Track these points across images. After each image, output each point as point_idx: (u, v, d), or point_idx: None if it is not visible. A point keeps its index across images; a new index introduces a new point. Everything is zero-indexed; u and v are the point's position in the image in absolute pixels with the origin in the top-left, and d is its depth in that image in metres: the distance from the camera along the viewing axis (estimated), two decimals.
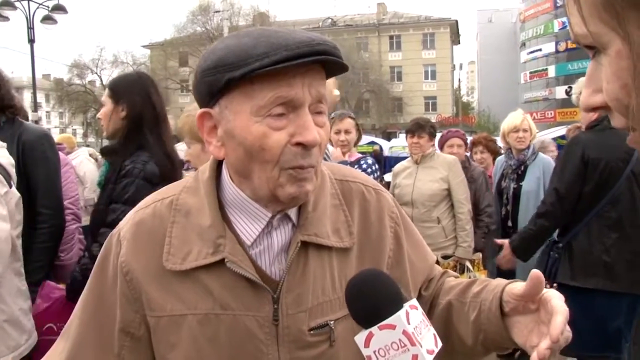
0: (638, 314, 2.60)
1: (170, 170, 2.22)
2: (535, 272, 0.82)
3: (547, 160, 4.01)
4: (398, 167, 4.04)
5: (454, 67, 46.63)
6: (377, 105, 40.20)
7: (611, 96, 0.47)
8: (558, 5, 32.68)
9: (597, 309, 2.62)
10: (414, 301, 0.76)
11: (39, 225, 2.35)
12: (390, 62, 43.73)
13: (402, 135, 14.25)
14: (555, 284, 2.70)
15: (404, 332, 0.71)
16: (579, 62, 30.32)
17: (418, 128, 3.76)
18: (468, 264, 3.73)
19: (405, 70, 43.96)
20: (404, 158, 4.23)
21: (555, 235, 2.90)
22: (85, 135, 42.29)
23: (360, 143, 4.45)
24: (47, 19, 14.75)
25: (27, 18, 14.63)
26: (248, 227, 0.89)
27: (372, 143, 17.60)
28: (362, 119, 34.23)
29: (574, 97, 3.29)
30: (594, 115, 2.54)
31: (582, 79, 3.03)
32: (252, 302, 0.86)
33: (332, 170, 1.00)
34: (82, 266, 2.23)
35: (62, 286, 2.38)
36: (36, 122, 11.70)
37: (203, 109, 0.86)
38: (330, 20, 45.15)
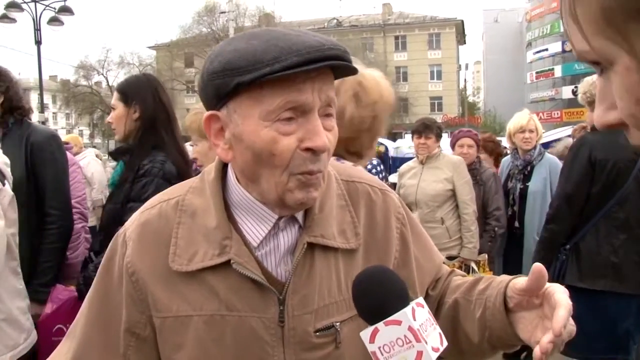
0: None
1: (185, 169, 2.25)
2: (537, 266, 0.81)
3: (554, 160, 3.99)
4: (404, 167, 4.03)
5: (459, 67, 46.48)
6: None
7: (626, 112, 0.46)
8: None
9: (606, 310, 2.60)
10: (420, 299, 0.77)
11: (47, 226, 2.37)
12: (396, 63, 43.66)
13: (408, 136, 14.24)
14: (563, 286, 2.68)
15: (410, 329, 0.71)
16: None
17: (425, 129, 3.74)
18: (473, 265, 3.72)
19: (410, 71, 43.89)
20: (410, 158, 4.22)
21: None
22: (91, 136, 42.54)
23: None
24: (53, 21, 14.81)
25: (33, 20, 14.73)
26: (254, 228, 0.89)
27: (378, 143, 17.56)
28: None
29: (580, 97, 3.27)
30: None
31: (588, 79, 3.01)
32: (258, 303, 0.86)
33: (338, 170, 1.00)
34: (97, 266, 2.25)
35: (71, 288, 2.39)
36: (43, 123, 11.80)
37: (210, 112, 0.85)
38: (335, 21, 45.16)
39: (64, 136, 5.53)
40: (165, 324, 0.88)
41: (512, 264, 3.97)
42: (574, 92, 28.61)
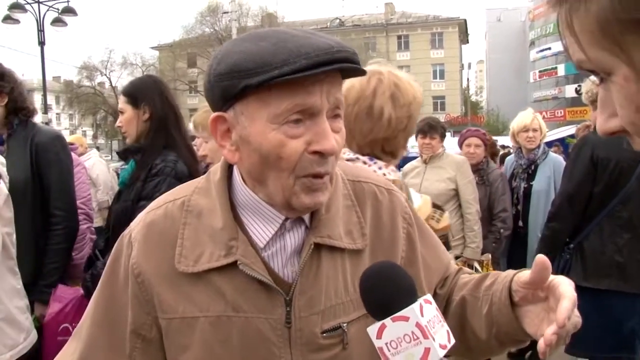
0: None
1: (196, 168, 2.26)
2: (540, 258, 0.80)
3: (558, 159, 3.99)
4: (407, 167, 4.02)
5: (462, 66, 46.40)
6: None
7: (626, 120, 0.46)
8: None
9: (611, 309, 2.60)
10: (428, 296, 0.76)
11: (52, 227, 2.37)
12: (399, 62, 43.51)
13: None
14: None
15: (417, 325, 0.70)
16: None
17: (430, 129, 3.73)
18: (476, 264, 3.71)
19: (413, 70, 43.58)
20: (413, 158, 4.21)
21: None
22: (95, 137, 42.58)
23: None
24: (57, 22, 14.83)
25: (37, 21, 14.75)
26: (261, 229, 0.89)
27: None
28: None
29: (583, 95, 3.26)
30: None
31: (592, 77, 3.00)
32: (264, 304, 0.86)
33: (345, 170, 1.00)
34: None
35: (76, 287, 2.39)
36: (46, 124, 11.83)
37: (217, 113, 0.85)
38: (338, 21, 45.10)
39: (67, 137, 5.54)
40: (172, 326, 0.88)
41: (516, 263, 3.96)
42: (577, 91, 28.51)
